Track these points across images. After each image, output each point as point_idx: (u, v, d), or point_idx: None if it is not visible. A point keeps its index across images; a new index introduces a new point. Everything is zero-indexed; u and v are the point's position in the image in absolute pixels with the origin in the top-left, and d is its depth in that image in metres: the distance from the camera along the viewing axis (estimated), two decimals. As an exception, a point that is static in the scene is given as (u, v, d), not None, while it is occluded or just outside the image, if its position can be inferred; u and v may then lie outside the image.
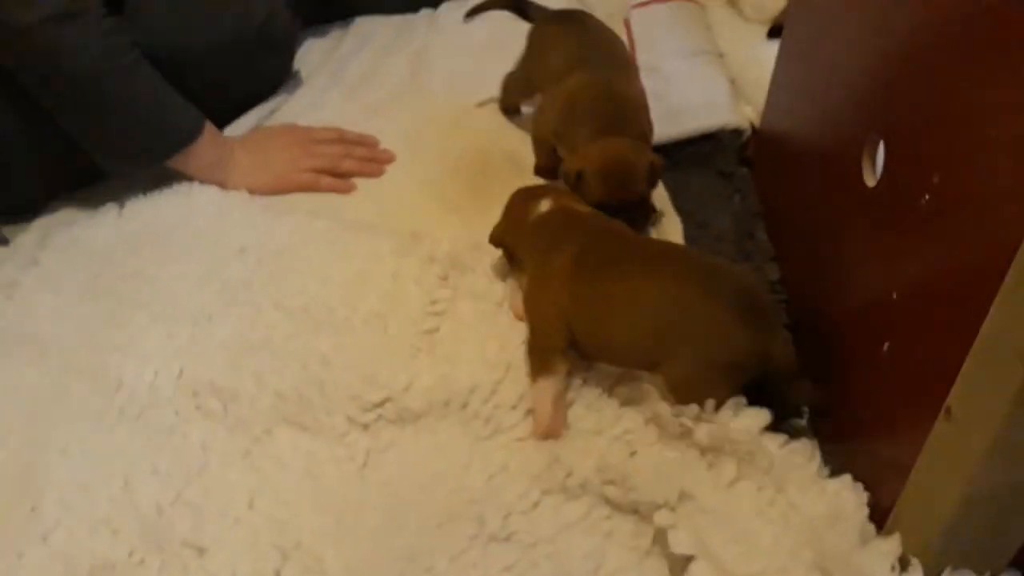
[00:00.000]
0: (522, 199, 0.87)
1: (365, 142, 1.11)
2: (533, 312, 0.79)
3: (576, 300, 0.75)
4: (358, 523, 0.71)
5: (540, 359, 0.76)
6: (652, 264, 0.76)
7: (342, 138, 1.10)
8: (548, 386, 0.75)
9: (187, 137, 1.00)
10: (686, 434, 0.73)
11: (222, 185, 1.03)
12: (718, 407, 0.72)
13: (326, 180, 1.06)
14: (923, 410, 0.59)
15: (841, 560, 0.64)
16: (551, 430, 0.75)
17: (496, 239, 0.87)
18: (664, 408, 0.74)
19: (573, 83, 0.96)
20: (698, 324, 0.71)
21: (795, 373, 0.75)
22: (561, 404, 0.76)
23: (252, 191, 1.04)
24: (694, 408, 0.72)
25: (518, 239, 0.85)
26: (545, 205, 0.84)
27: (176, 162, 1.01)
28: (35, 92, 0.95)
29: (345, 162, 1.07)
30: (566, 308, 0.75)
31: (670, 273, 0.74)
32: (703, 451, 0.73)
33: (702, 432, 0.72)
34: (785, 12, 1.06)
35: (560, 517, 0.71)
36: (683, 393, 0.73)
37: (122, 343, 0.85)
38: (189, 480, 0.75)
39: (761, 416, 0.73)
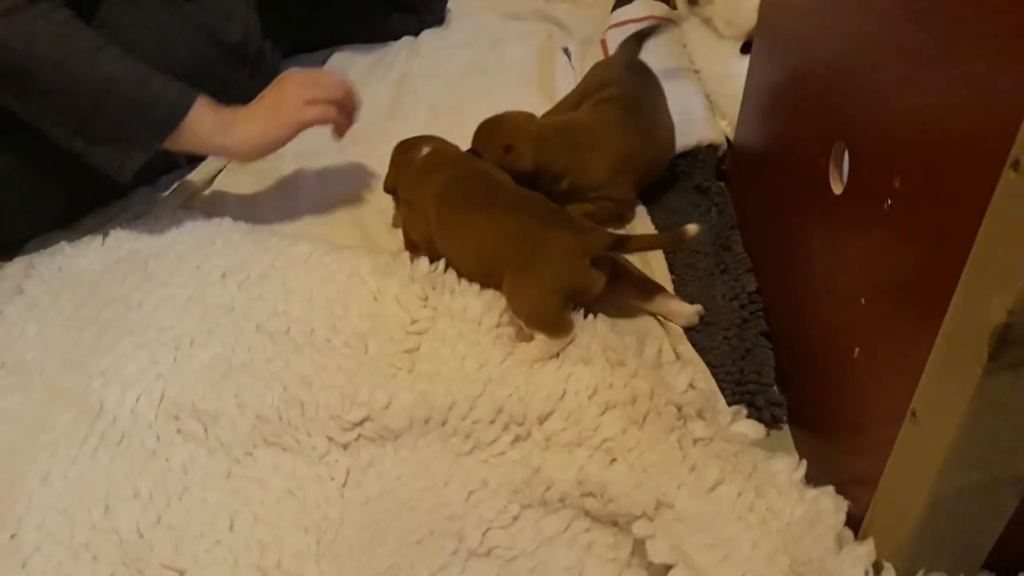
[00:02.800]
0: (404, 148, 1.00)
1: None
2: (407, 231, 0.99)
3: (439, 224, 0.91)
4: (338, 541, 0.72)
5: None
6: (494, 200, 0.89)
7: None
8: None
9: (178, 109, 0.94)
10: (678, 427, 0.76)
11: (222, 149, 1.01)
12: (546, 314, 0.82)
13: (329, 112, 1.02)
14: (892, 413, 0.60)
15: (816, 565, 0.64)
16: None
17: (387, 186, 1.01)
18: (662, 399, 0.77)
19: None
20: (520, 245, 0.84)
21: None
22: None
23: (256, 140, 0.99)
24: (695, 402, 0.76)
25: (404, 182, 0.97)
26: (425, 150, 0.98)
27: (176, 141, 0.96)
28: (11, 106, 0.93)
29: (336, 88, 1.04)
30: (432, 229, 0.92)
31: (502, 207, 0.88)
32: (687, 452, 0.74)
33: (698, 425, 0.75)
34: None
35: (540, 531, 0.72)
36: (514, 300, 0.84)
37: (105, 369, 0.85)
38: (170, 503, 0.75)
39: (756, 429, 0.77)
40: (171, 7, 1.08)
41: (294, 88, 1.00)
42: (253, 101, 1.01)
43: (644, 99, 1.05)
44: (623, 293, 0.89)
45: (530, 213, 0.87)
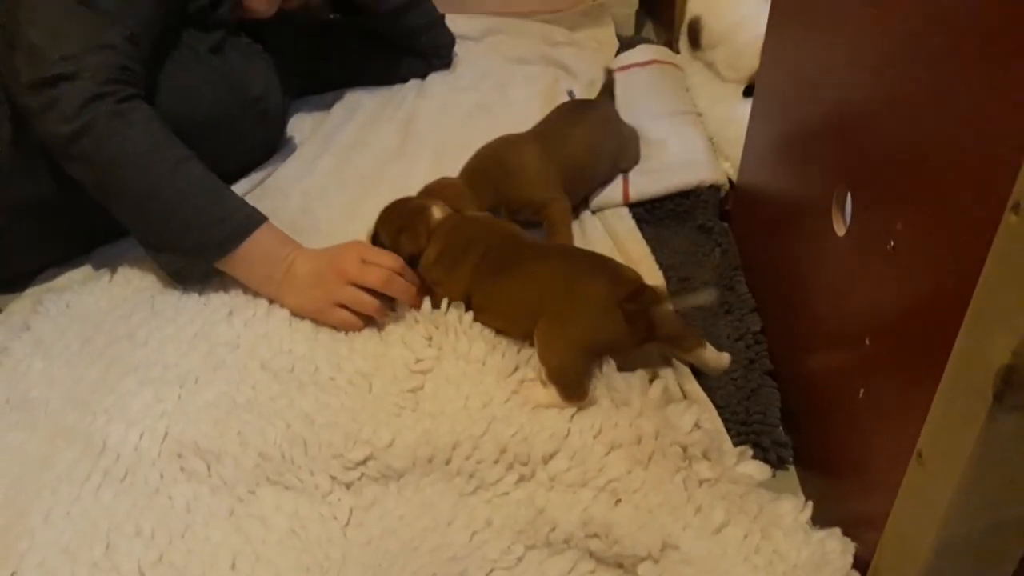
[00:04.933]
0: (411, 212, 0.98)
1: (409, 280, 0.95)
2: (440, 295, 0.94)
3: (475, 295, 0.90)
4: (340, 582, 0.71)
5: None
6: (526, 258, 0.89)
7: (388, 281, 0.93)
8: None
9: (243, 229, 0.94)
10: (683, 468, 0.76)
11: (278, 301, 0.97)
12: (564, 357, 0.80)
13: (353, 324, 0.94)
14: (897, 455, 0.60)
15: (824, 609, 0.63)
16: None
17: (405, 253, 0.95)
18: (667, 439, 0.76)
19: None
20: (554, 293, 0.83)
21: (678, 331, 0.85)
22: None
23: (292, 308, 0.96)
24: (701, 442, 0.76)
25: (436, 264, 0.94)
26: (438, 212, 0.97)
27: (231, 266, 0.96)
28: (97, 197, 0.94)
29: (368, 307, 0.93)
30: (467, 297, 0.91)
31: (531, 259, 0.88)
32: (692, 493, 0.74)
33: (704, 466, 0.75)
34: (759, 72, 1.09)
35: (544, 572, 0.71)
36: (544, 350, 0.82)
37: (109, 406, 0.85)
38: (172, 541, 0.74)
39: (761, 470, 0.78)
40: (199, 59, 1.10)
41: (334, 285, 0.93)
42: (306, 265, 0.95)
43: (552, 123, 1.15)
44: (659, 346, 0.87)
45: (561, 259, 0.87)
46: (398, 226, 0.97)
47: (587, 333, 0.81)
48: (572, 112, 1.17)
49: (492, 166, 1.07)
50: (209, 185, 0.95)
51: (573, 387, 0.80)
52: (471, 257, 0.92)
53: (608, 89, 1.26)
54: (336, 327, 0.94)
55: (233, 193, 0.98)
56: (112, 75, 0.92)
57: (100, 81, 0.90)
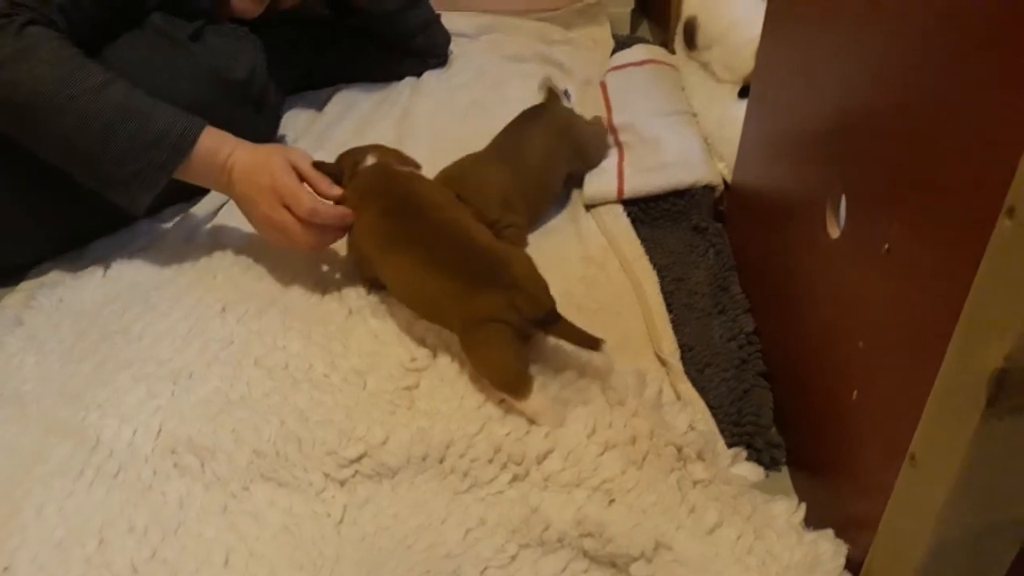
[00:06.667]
0: (350, 157, 0.99)
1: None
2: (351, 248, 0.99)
3: (374, 259, 0.91)
4: (334, 579, 0.71)
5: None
6: (416, 244, 0.86)
7: (312, 212, 0.93)
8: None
9: (182, 144, 0.93)
10: (677, 468, 0.76)
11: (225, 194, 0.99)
12: (495, 363, 0.80)
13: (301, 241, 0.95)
14: (891, 457, 0.60)
15: (816, 609, 0.64)
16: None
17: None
18: (661, 440, 0.76)
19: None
20: (452, 310, 0.82)
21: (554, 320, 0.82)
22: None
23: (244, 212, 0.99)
24: (695, 443, 0.76)
25: (348, 201, 0.95)
26: (369, 160, 0.98)
27: (184, 175, 0.95)
28: (26, 144, 0.93)
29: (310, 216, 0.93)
30: (369, 258, 0.92)
31: (422, 258, 0.85)
32: (686, 494, 0.74)
33: (698, 466, 0.75)
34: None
35: (537, 571, 0.71)
36: (466, 346, 0.82)
37: (103, 402, 0.85)
38: (165, 538, 0.74)
39: (755, 471, 0.78)
40: (176, 46, 1.10)
41: (271, 201, 0.93)
42: (240, 181, 0.95)
43: (507, 135, 1.13)
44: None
45: (453, 272, 0.83)
46: (337, 169, 0.99)
47: (496, 333, 0.79)
48: (524, 122, 1.14)
49: (457, 185, 1.03)
50: (135, 105, 0.92)
51: (514, 386, 0.79)
52: (368, 213, 0.92)
53: (553, 93, 1.23)
54: (277, 246, 0.96)
55: (162, 105, 0.94)
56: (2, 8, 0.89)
57: None
